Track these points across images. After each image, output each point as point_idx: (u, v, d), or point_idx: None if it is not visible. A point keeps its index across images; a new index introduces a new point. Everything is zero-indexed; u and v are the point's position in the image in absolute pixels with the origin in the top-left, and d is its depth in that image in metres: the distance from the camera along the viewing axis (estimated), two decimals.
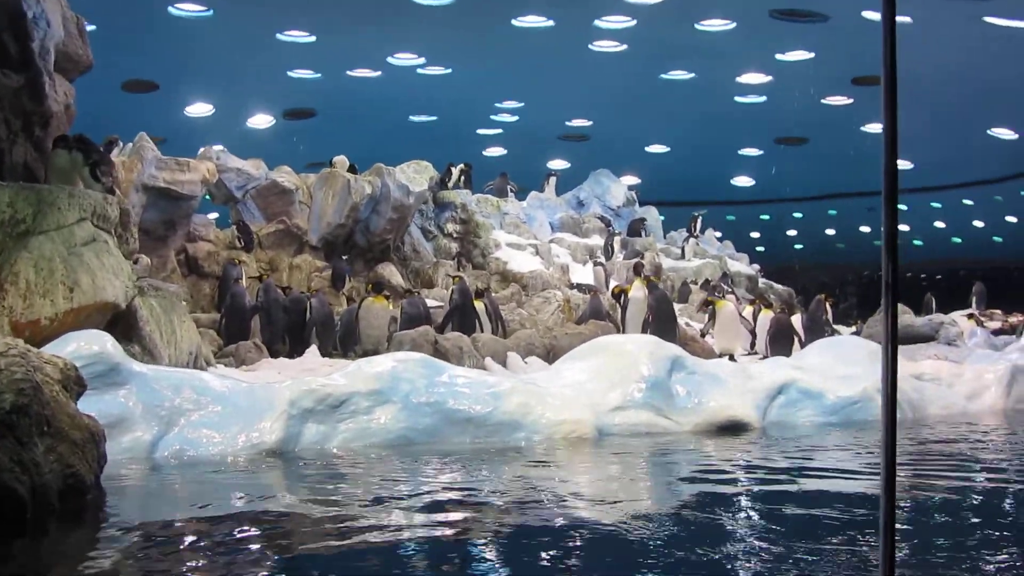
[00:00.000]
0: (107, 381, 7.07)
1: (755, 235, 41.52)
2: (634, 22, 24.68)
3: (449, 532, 4.99)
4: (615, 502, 5.86)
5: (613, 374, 9.44)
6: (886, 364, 2.47)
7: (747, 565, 4.29)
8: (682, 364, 9.81)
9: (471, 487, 6.34)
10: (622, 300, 14.56)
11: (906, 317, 17.85)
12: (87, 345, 7.12)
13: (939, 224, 42.30)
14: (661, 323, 13.41)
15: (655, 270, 22.06)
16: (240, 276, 15.67)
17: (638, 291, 14.13)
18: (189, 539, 4.82)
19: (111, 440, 6.30)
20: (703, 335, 15.25)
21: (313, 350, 13.81)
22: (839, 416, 9.95)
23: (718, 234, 30.21)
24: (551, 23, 24.73)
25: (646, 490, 6.66)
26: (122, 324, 8.98)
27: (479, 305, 15.23)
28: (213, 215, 20.84)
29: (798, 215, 43.36)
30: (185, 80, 26.53)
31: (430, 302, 16.03)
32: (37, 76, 9.80)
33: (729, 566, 4.33)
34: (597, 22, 24.82)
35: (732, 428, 9.31)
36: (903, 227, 40.06)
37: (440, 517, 5.33)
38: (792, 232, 45.02)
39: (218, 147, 19.24)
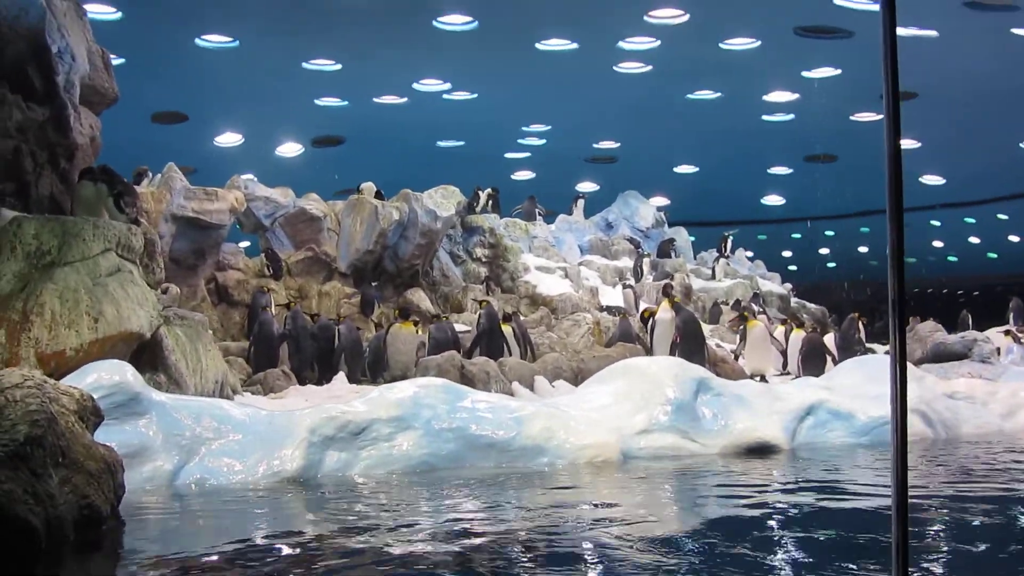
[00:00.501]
0: (127, 411, 7.09)
1: (787, 254, 41.16)
2: (658, 43, 24.62)
3: (479, 562, 4.92)
4: (643, 529, 5.73)
5: (638, 397, 9.33)
6: (894, 383, 2.41)
7: None
8: (708, 386, 9.69)
9: (495, 515, 6.25)
10: (650, 323, 14.44)
11: (938, 335, 17.63)
12: (107, 375, 7.15)
13: (974, 239, 41.74)
14: (688, 344, 13.28)
15: (685, 291, 21.92)
16: (268, 304, 15.74)
17: (665, 313, 14.00)
18: (204, 571, 4.77)
19: (132, 470, 6.32)
20: (736, 357, 15.08)
21: (341, 377, 13.80)
22: (870, 437, 9.73)
23: (749, 254, 29.95)
24: (575, 46, 24.74)
25: (673, 517, 6.54)
26: (148, 354, 9.04)
27: (507, 329, 15.19)
28: (243, 244, 20.99)
29: (830, 233, 42.93)
30: (214, 110, 26.85)
31: (459, 327, 16.00)
32: (62, 109, 9.95)
33: None
34: (621, 43, 24.77)
35: (760, 450, 9.16)
36: (937, 243, 39.78)
37: (467, 546, 5.24)
38: (824, 250, 44.57)
39: (247, 176, 19.41)
